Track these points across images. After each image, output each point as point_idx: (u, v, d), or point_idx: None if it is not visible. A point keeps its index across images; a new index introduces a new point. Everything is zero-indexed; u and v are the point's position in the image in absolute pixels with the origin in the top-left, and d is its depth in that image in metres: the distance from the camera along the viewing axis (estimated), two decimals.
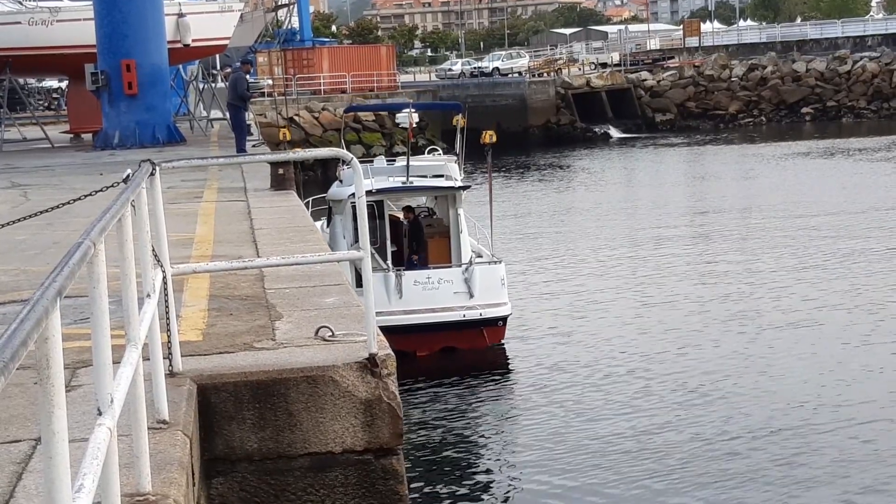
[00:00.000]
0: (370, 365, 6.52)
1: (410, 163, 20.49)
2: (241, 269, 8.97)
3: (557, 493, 12.75)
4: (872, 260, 24.92)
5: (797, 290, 22.11)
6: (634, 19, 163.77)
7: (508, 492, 13.10)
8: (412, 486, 11.93)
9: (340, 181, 21.36)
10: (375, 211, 19.36)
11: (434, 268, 19.33)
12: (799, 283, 22.86)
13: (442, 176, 20.73)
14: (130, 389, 4.21)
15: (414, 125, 21.83)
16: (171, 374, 6.15)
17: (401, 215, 21.26)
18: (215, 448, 6.35)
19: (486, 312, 18.64)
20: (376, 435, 6.54)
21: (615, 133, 69.35)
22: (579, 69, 77.85)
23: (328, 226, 20.96)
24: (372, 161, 22.31)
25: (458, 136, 22.44)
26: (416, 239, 20.18)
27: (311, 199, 23.02)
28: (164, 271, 6.15)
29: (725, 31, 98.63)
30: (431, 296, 18.62)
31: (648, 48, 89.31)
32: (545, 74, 74.65)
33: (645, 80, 74.82)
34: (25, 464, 5.03)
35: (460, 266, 19.13)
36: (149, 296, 5.51)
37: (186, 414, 5.76)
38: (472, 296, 18.71)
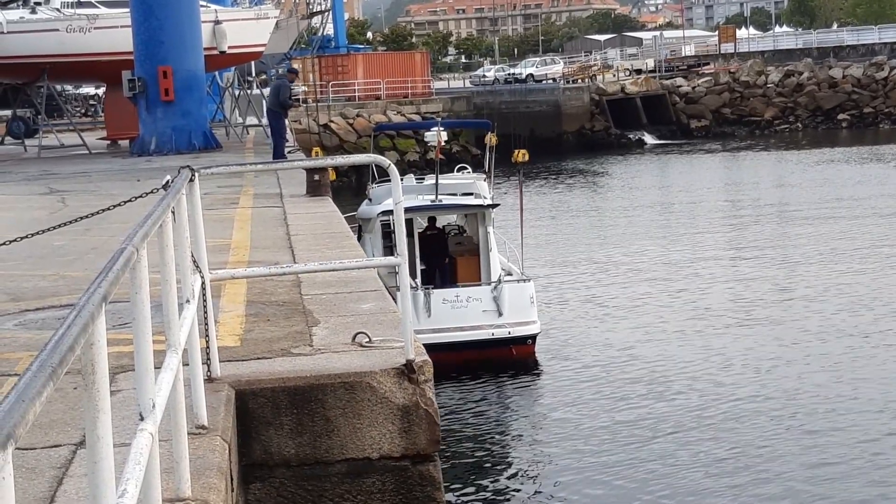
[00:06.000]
0: (407, 371, 6.52)
1: (440, 181, 20.43)
2: (279, 274, 8.99)
3: (593, 502, 12.70)
4: None
5: (836, 299, 21.89)
6: (669, 25, 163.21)
7: (544, 499, 13.05)
8: (449, 492, 11.91)
9: (370, 199, 21.32)
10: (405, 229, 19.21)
11: (463, 286, 19.23)
12: (838, 291, 22.62)
13: (471, 194, 20.66)
14: (171, 395, 4.23)
15: (443, 143, 21.73)
16: (209, 380, 6.16)
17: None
18: (253, 453, 6.37)
19: (515, 331, 18.41)
20: (413, 441, 6.53)
21: (650, 139, 69.05)
22: (614, 75, 77.57)
23: None
24: (401, 179, 22.21)
25: (488, 154, 22.34)
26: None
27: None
28: (202, 277, 6.16)
29: (761, 37, 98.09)
30: (460, 314, 18.47)
31: (683, 54, 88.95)
32: (579, 81, 74.45)
33: (680, 86, 74.50)
34: (66, 469, 5.05)
35: (489, 284, 19.03)
36: (188, 301, 5.52)
37: (225, 419, 5.77)
38: (500, 314, 18.54)
